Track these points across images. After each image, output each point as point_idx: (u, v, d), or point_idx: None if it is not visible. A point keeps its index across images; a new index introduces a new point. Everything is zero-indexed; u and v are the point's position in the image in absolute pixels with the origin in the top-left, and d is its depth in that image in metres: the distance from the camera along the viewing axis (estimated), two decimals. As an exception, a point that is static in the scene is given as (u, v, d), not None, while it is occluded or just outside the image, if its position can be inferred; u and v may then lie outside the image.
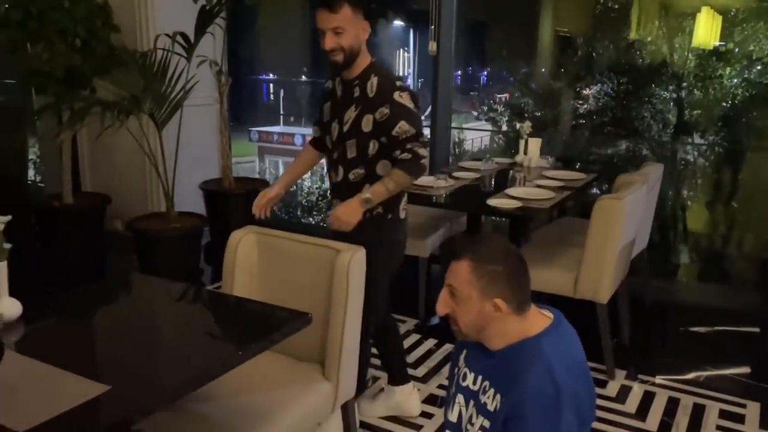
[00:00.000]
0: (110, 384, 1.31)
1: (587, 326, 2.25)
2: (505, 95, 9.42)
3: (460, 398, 1.43)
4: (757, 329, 3.45)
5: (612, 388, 2.80)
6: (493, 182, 3.35)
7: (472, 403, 1.38)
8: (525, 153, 3.86)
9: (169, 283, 2.04)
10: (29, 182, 5.45)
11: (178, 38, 3.64)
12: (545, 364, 1.27)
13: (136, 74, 3.69)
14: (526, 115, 8.19)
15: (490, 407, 1.31)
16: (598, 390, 2.76)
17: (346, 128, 2.16)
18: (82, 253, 4.08)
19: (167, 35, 3.51)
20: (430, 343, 3.21)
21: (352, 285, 1.95)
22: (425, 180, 3.32)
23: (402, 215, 2.32)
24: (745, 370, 3.00)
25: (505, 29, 8.89)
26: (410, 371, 2.91)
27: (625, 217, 2.69)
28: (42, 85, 3.57)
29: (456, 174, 3.51)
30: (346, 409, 2.06)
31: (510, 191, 3.11)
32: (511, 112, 8.88)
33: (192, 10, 3.82)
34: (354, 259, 1.95)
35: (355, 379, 2.08)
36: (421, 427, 2.51)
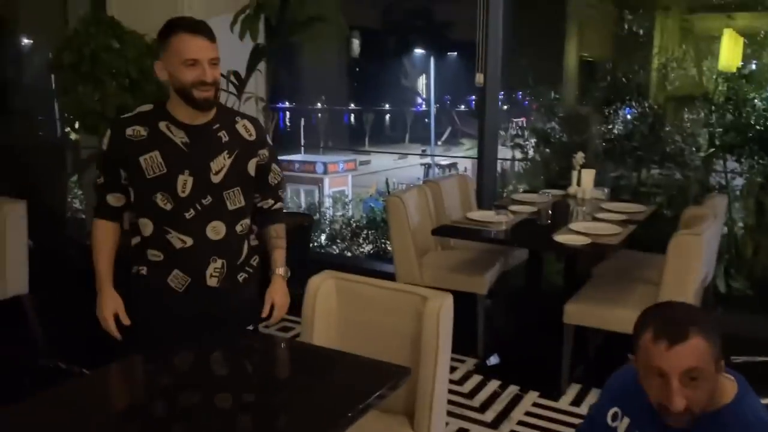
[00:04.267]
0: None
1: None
2: (521, 119, 9.41)
3: None
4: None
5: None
6: (550, 216, 3.28)
7: None
8: (578, 184, 3.78)
9: (254, 335, 1.97)
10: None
11: (232, 77, 3.63)
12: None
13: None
14: (551, 140, 8.15)
15: None
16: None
17: (219, 178, 1.86)
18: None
19: (222, 75, 3.50)
20: (494, 384, 3.10)
21: (442, 333, 1.87)
22: (484, 215, 3.26)
23: None
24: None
25: (531, 56, 8.88)
26: (476, 416, 2.82)
27: (702, 253, 2.60)
28: (94, 124, 3.56)
29: (512, 207, 3.44)
30: (435, 464, 1.96)
31: (573, 226, 3.03)
32: (537, 137, 8.81)
33: (236, 48, 3.81)
34: (444, 306, 1.88)
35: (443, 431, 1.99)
36: (500, 477, 2.40)
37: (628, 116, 7.42)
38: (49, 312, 3.39)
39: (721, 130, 6.78)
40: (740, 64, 5.89)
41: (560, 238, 2.84)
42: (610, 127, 7.64)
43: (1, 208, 3.07)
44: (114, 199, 1.92)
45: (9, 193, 3.32)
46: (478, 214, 3.29)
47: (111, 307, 1.91)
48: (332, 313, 2.07)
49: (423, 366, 1.87)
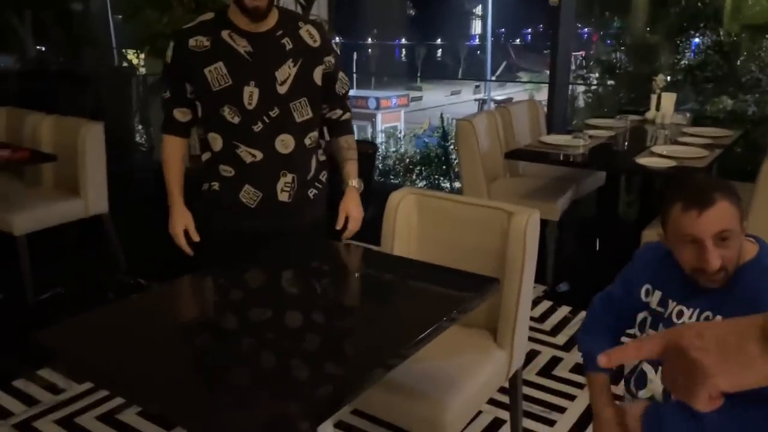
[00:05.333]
0: (311, 363, 1.25)
1: None
2: (581, 53, 9.00)
3: None
4: None
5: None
6: (627, 140, 3.14)
7: None
8: (657, 109, 3.61)
9: (342, 245, 1.98)
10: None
11: (299, -4, 3.56)
12: None
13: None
14: (618, 71, 7.80)
15: None
16: None
17: (285, 88, 1.80)
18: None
19: (289, -8, 3.43)
20: (564, 310, 3.07)
21: (529, 249, 1.83)
22: (560, 138, 3.15)
23: None
24: None
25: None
26: (548, 338, 2.81)
27: (799, 177, 2.45)
28: (163, 48, 3.56)
29: (588, 132, 3.31)
30: (515, 379, 1.97)
31: (656, 149, 2.90)
32: (602, 69, 8.43)
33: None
34: (530, 221, 1.83)
35: (525, 348, 1.98)
36: (575, 397, 2.40)
37: (696, 45, 7.00)
38: (128, 231, 3.50)
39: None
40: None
41: (643, 160, 2.72)
42: (679, 57, 7.24)
43: (79, 129, 3.14)
44: (180, 114, 1.88)
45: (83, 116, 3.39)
46: (552, 138, 3.18)
47: (181, 223, 1.91)
48: (412, 229, 2.06)
49: (508, 281, 1.84)
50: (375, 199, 4.51)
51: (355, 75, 16.67)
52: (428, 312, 1.48)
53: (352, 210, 1.98)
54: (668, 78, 6.71)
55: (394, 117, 16.93)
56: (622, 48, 7.81)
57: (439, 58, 27.58)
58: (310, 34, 1.84)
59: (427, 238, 2.05)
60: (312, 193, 1.96)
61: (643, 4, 7.69)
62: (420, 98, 21.12)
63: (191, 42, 1.77)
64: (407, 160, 11.26)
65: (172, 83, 1.84)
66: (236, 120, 1.79)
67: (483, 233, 1.93)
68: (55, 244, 3.61)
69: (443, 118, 11.96)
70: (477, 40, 26.64)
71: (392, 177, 10.71)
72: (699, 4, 7.01)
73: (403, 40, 25.99)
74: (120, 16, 5.10)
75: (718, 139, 3.12)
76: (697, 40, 7.05)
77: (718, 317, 1.26)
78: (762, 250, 1.29)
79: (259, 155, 1.82)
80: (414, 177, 10.60)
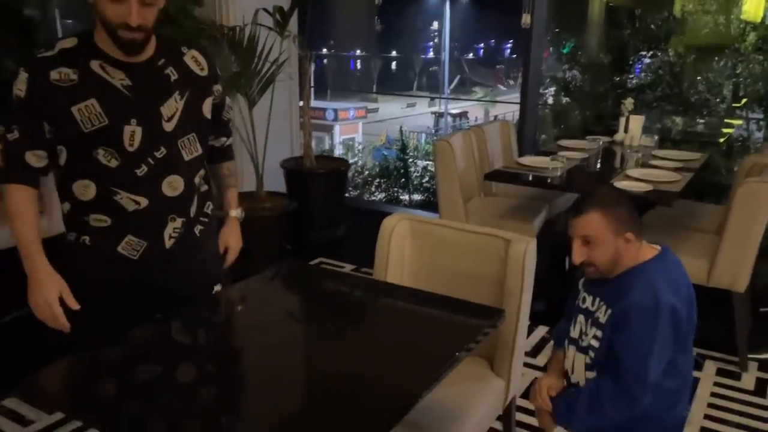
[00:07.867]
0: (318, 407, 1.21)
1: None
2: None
3: (581, 318, 1.67)
4: None
5: (748, 381, 2.69)
6: (599, 162, 3.21)
7: (590, 320, 1.63)
8: (625, 131, 3.70)
9: (334, 272, 1.93)
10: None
11: (277, 15, 3.50)
12: (649, 283, 1.50)
13: (221, 50, 3.55)
14: (571, 88, 8.01)
15: (602, 320, 1.58)
16: (734, 383, 2.66)
17: (172, 125, 1.58)
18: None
19: (266, 10, 3.37)
20: (542, 330, 3.10)
21: (527, 276, 1.84)
22: (538, 160, 3.19)
23: None
24: None
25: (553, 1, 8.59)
26: (529, 360, 2.83)
27: (771, 202, 2.54)
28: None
29: (562, 154, 3.37)
30: (510, 407, 1.96)
31: (630, 172, 2.97)
32: (557, 86, 8.63)
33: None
34: (529, 249, 1.84)
35: (520, 376, 1.98)
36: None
37: (646, 65, 7.25)
38: None
39: (748, 80, 6.62)
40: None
41: (620, 184, 2.77)
42: (631, 77, 7.48)
43: None
44: (35, 158, 1.54)
45: None
46: (530, 160, 3.22)
47: (54, 289, 1.53)
48: (406, 256, 2.03)
49: (506, 309, 1.84)
50: (347, 216, 4.48)
51: (313, 88, 16.59)
52: (441, 345, 1.46)
53: (231, 241, 1.86)
54: (624, 93, 6.92)
55: (352, 129, 16.91)
56: (577, 67, 8.02)
57: (394, 71, 27.78)
58: (196, 62, 1.65)
59: (420, 264, 2.03)
60: (198, 229, 1.72)
61: (598, 24, 7.92)
62: (376, 110, 21.20)
63: (53, 75, 1.47)
64: (366, 172, 11.23)
65: (26, 121, 1.51)
66: (114, 164, 1.54)
67: (479, 261, 1.92)
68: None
69: (402, 131, 12.01)
70: (431, 53, 27.00)
71: (351, 189, 10.67)
72: (651, 26, 7.27)
73: (358, 52, 26.08)
74: (70, 21, 4.86)
75: (687, 162, 3.23)
76: (648, 59, 7.30)
77: (602, 302, 1.59)
78: (657, 258, 1.57)
79: (144, 201, 1.58)
80: (373, 189, 10.57)
